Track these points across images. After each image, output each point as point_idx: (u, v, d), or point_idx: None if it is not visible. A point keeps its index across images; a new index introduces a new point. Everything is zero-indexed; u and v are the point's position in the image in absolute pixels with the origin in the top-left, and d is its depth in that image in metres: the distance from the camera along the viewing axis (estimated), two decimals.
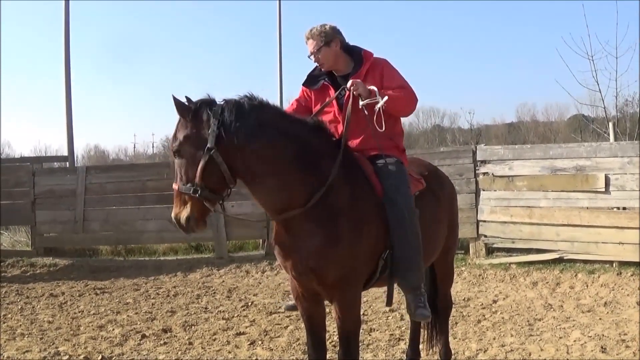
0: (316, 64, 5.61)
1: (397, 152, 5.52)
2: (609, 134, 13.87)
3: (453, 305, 7.68)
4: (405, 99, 5.41)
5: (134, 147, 67.96)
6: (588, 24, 20.20)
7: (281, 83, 22.33)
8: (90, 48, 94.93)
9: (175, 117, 4.84)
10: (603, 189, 11.65)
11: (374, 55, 5.60)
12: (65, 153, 17.20)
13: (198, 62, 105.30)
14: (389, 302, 5.31)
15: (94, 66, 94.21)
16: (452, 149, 14.83)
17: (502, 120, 61.77)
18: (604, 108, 19.15)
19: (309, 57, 5.55)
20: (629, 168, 11.45)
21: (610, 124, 13.95)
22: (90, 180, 15.13)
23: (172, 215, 4.80)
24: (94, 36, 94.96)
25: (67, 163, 16.82)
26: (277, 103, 18.83)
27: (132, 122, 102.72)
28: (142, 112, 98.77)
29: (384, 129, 5.20)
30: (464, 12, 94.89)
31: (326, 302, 5.29)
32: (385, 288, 5.35)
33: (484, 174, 12.90)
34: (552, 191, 12.27)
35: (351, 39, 5.65)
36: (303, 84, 5.72)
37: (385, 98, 5.15)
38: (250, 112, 4.76)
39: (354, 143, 5.39)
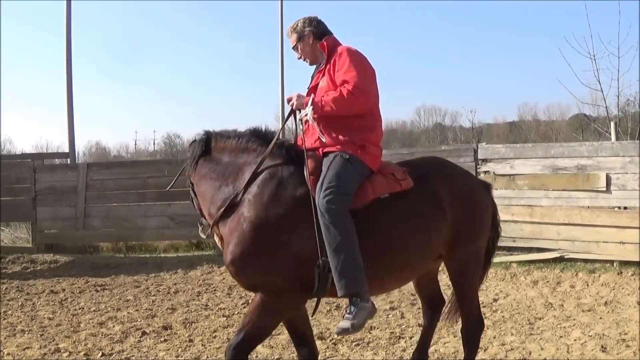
0: None
1: (351, 147, 5.20)
2: (610, 134, 13.86)
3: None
4: (343, 98, 5.09)
5: (135, 144, 68.21)
6: (590, 24, 20.15)
7: (282, 81, 22.33)
8: (92, 45, 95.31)
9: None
10: (604, 189, 11.64)
11: (332, 44, 5.49)
12: (67, 149, 17.22)
13: (199, 60, 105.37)
14: (313, 312, 5.17)
15: (95, 63, 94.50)
16: (454, 148, 14.84)
17: (503, 119, 62.04)
18: (606, 107, 19.15)
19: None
20: (630, 167, 11.44)
21: (612, 124, 13.93)
22: (91, 177, 15.13)
23: None
24: (96, 33, 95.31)
25: (68, 159, 16.84)
26: (278, 102, 18.75)
27: (134, 119, 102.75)
28: (143, 110, 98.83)
29: (325, 140, 5.19)
30: (466, 11, 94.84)
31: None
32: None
33: (485, 172, 12.87)
34: (553, 190, 12.24)
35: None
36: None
37: (309, 109, 5.13)
38: (195, 146, 5.44)
39: (313, 143, 5.27)
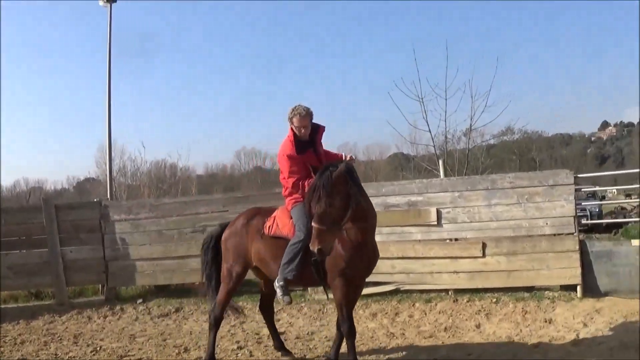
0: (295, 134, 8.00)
1: None
2: (439, 171, 14.57)
3: (299, 340, 7.94)
4: None
5: None
6: (419, 69, 20.92)
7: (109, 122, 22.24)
8: None
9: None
10: (435, 222, 12.33)
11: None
12: None
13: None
14: None
15: None
16: (269, 192, 15.08)
17: None
18: (434, 146, 20.07)
19: (297, 128, 7.98)
20: (459, 202, 12.21)
21: (440, 161, 14.70)
22: None
23: None
24: None
25: None
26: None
27: None
28: None
29: None
30: (284, 57, 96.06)
31: None
32: None
33: None
34: (385, 226, 12.58)
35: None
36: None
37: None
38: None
39: None
